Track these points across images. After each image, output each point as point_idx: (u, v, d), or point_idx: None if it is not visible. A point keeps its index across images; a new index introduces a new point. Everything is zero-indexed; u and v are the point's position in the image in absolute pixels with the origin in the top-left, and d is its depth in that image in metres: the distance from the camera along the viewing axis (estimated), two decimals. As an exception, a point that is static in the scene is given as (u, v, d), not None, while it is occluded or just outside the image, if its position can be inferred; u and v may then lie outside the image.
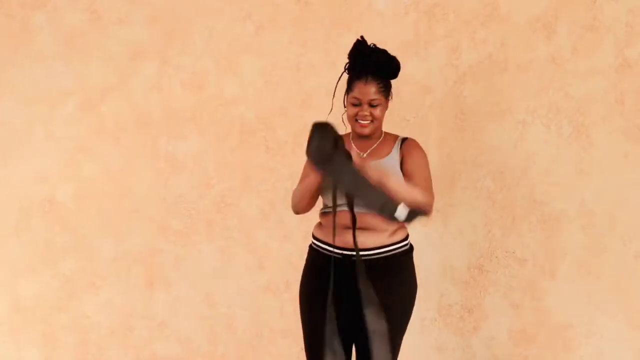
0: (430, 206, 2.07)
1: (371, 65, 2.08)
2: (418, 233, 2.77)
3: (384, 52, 2.11)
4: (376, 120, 2.12)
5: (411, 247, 2.21)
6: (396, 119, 2.77)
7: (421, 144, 2.73)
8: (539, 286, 2.63)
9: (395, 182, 1.97)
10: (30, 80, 3.28)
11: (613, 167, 2.53)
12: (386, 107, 2.15)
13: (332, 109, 2.19)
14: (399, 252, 2.13)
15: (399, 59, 2.77)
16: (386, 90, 2.13)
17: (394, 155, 2.14)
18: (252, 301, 3.05)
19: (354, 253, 2.03)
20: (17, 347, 3.32)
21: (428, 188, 2.10)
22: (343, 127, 2.27)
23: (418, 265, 2.75)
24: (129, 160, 3.18)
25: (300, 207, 2.15)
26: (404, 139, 2.19)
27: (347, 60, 2.15)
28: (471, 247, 2.72)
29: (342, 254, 2.09)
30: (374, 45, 2.12)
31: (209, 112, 3.07)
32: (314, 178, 2.04)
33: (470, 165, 2.71)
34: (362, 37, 2.14)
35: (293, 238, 2.92)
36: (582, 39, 2.55)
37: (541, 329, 2.64)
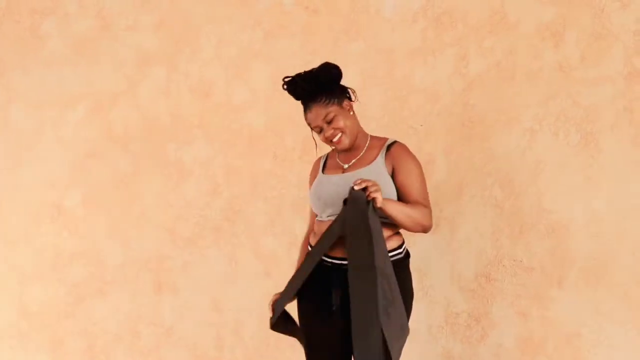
0: (430, 224, 2.08)
1: (303, 94, 2.09)
2: (426, 241, 2.78)
3: (304, 74, 2.09)
4: (345, 129, 2.09)
5: (407, 255, 2.17)
6: (404, 127, 2.78)
7: (429, 152, 2.75)
8: (547, 295, 2.62)
9: (396, 210, 1.98)
10: (40, 86, 3.31)
11: (622, 175, 2.52)
12: (349, 109, 2.12)
13: (317, 146, 2.24)
14: (392, 261, 2.06)
15: (407, 66, 2.79)
16: (334, 99, 2.08)
17: (379, 161, 2.09)
18: (259, 307, 3.05)
19: (345, 262, 2.04)
20: (25, 353, 3.34)
21: (426, 201, 2.09)
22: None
23: (425, 273, 2.77)
24: (137, 166, 3.19)
25: None
26: (391, 144, 2.14)
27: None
28: (478, 255, 2.71)
29: (337, 264, 2.09)
30: (299, 74, 2.10)
31: (217, 118, 3.08)
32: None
33: (478, 174, 2.71)
34: (284, 78, 2.12)
35: (300, 245, 2.92)
36: (591, 47, 2.54)
37: (549, 337, 2.63)
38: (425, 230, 2.07)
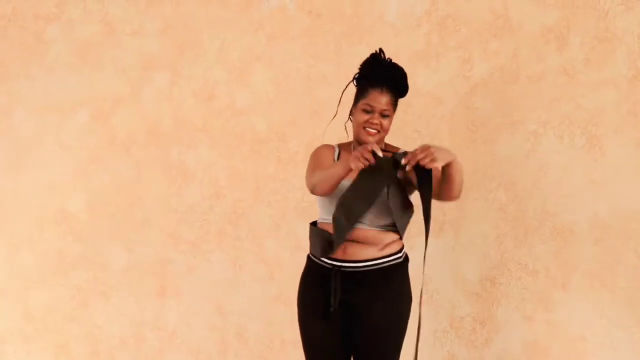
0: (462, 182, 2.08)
1: (389, 78, 2.10)
2: (430, 245, 2.76)
3: (402, 69, 2.14)
4: (383, 132, 2.12)
5: (406, 258, 2.20)
6: (407, 130, 2.78)
7: (433, 156, 2.75)
8: (552, 298, 2.62)
9: (459, 168, 1.98)
10: (43, 91, 3.31)
11: (626, 178, 2.52)
12: (392, 120, 2.17)
13: (336, 114, 2.22)
14: (391, 265, 2.13)
15: (411, 70, 2.79)
16: (396, 105, 2.15)
17: None
18: (263, 311, 3.05)
19: (345, 264, 2.08)
20: (29, 357, 3.34)
21: None
22: (345, 137, 2.26)
23: (430, 277, 2.77)
24: (140, 171, 3.19)
25: (322, 189, 2.07)
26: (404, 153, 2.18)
27: (358, 70, 2.17)
28: (483, 258, 2.71)
29: (337, 265, 2.11)
30: (391, 59, 2.14)
31: (220, 122, 3.08)
32: (343, 168, 1.97)
33: (482, 177, 2.70)
34: (380, 49, 2.16)
35: (304, 248, 2.91)
36: (595, 50, 2.54)
37: (554, 341, 2.62)
38: (460, 195, 2.08)
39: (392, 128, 2.78)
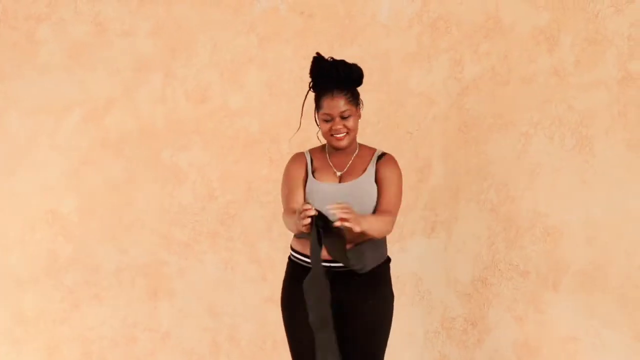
0: (390, 231, 2.09)
1: (334, 79, 2.07)
2: (422, 245, 2.78)
3: (343, 62, 2.10)
4: (351, 132, 2.11)
5: (388, 259, 2.20)
6: (400, 131, 2.79)
7: (425, 157, 2.76)
8: (543, 298, 2.63)
9: (369, 228, 1.96)
10: (35, 92, 3.30)
11: (616, 178, 2.54)
12: (359, 116, 2.15)
13: (299, 126, 2.22)
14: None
15: (402, 71, 2.81)
16: (355, 100, 2.12)
17: (370, 172, 2.13)
18: (255, 312, 3.05)
19: (331, 265, 2.06)
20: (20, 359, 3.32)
21: (394, 209, 2.11)
22: (318, 143, 2.25)
23: (422, 278, 2.78)
24: (132, 172, 3.18)
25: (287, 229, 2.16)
26: (381, 155, 2.17)
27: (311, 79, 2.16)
28: (475, 259, 2.72)
29: (326, 266, 2.08)
30: (332, 58, 2.11)
31: (212, 123, 3.08)
32: (296, 229, 2.01)
33: (474, 178, 2.71)
34: (317, 53, 2.14)
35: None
36: (585, 52, 2.56)
37: (545, 341, 2.64)
38: (384, 236, 2.11)
39: (384, 129, 2.80)
